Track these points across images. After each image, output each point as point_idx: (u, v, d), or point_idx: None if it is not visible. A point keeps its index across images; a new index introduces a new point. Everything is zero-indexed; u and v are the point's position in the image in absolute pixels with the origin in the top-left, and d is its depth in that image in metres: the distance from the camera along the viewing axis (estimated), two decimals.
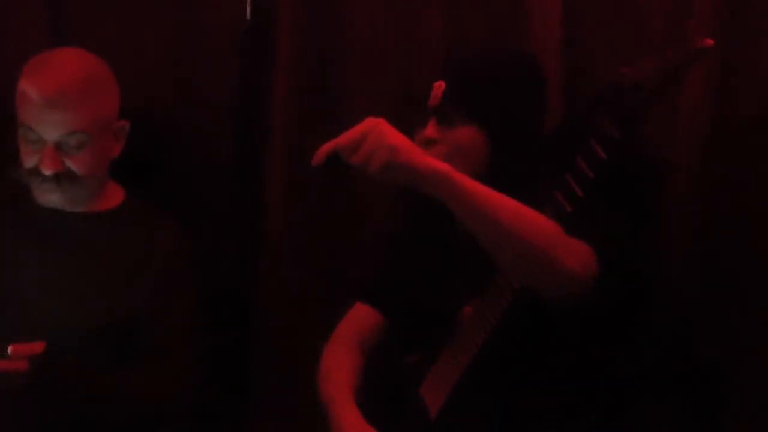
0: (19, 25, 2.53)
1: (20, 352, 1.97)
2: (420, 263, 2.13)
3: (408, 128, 1.98)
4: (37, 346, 1.99)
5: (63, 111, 2.12)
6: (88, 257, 2.22)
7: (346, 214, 2.48)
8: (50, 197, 2.20)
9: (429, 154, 1.85)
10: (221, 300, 2.46)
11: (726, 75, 2.24)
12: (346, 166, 1.74)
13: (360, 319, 2.22)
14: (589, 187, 1.72)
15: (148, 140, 2.42)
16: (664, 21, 2.27)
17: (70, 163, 2.16)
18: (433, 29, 2.42)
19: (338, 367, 2.13)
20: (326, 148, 1.75)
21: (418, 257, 2.14)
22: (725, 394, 2.16)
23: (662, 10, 2.28)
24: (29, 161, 2.17)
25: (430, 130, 2.00)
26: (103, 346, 2.15)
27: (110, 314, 2.17)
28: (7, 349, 1.97)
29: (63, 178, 2.16)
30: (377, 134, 1.71)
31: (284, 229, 2.49)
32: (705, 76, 2.22)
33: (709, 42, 1.63)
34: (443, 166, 1.72)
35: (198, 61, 2.51)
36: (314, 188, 2.47)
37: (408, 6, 2.44)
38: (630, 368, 2.01)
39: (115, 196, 2.30)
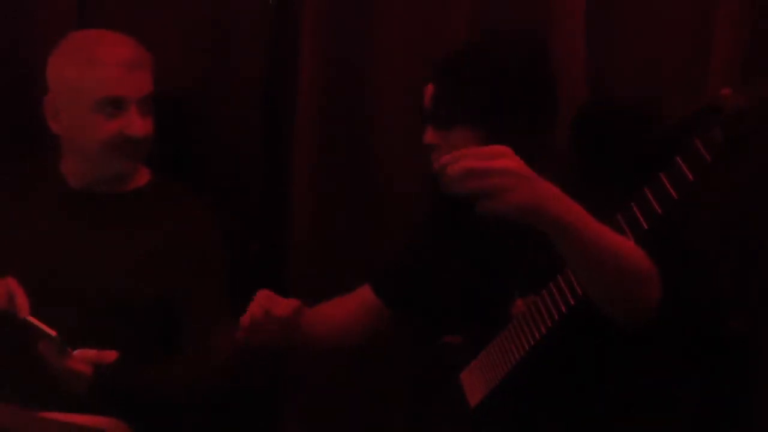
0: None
1: (87, 357, 1.97)
2: (458, 253, 2.11)
3: None
4: (109, 355, 1.99)
5: (142, 70, 2.18)
6: (117, 235, 2.23)
7: (374, 202, 2.51)
8: (108, 170, 2.21)
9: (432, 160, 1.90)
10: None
11: None
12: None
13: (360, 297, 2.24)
14: (670, 207, 1.72)
15: (175, 117, 2.43)
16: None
17: (150, 127, 2.20)
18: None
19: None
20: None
21: (453, 247, 2.13)
22: (753, 368, 2.17)
23: None
24: (106, 133, 2.15)
25: (429, 135, 2.01)
26: (137, 324, 2.15)
27: (140, 292, 2.17)
28: (68, 351, 1.97)
29: (145, 142, 2.18)
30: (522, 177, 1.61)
31: (312, 211, 2.50)
32: None
33: None
34: (569, 218, 1.65)
35: (226, 35, 2.51)
36: (341, 167, 2.50)
37: None
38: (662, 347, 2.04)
39: (141, 176, 2.30)
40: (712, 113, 1.68)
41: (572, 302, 1.82)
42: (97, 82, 2.14)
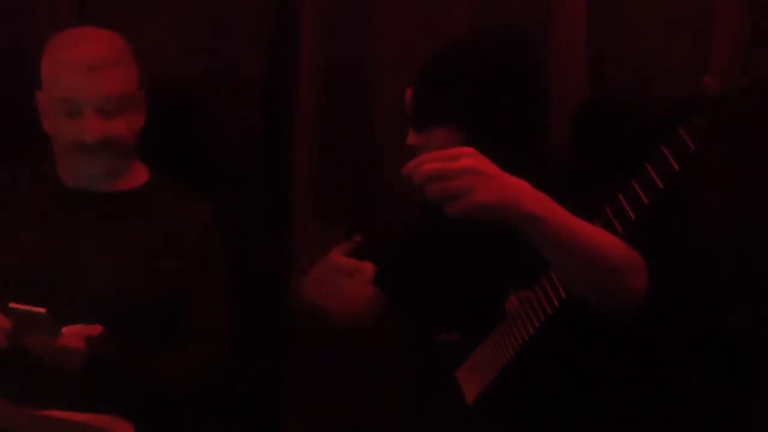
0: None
1: (77, 333, 1.96)
2: (454, 250, 2.11)
3: None
4: (95, 328, 1.98)
5: (102, 73, 2.13)
6: (116, 234, 2.23)
7: (374, 202, 2.51)
8: (91, 169, 2.20)
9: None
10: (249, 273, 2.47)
11: None
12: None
13: None
14: (656, 197, 1.70)
15: (175, 116, 2.44)
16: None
17: (110, 130, 2.14)
18: None
19: None
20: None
21: (449, 244, 2.12)
22: (753, 367, 2.17)
23: None
24: (69, 134, 2.15)
25: (410, 138, 2.01)
26: (136, 324, 2.15)
27: (139, 291, 2.17)
28: (60, 329, 1.96)
29: (106, 145, 2.15)
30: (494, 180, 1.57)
31: (312, 211, 2.49)
32: None
33: None
34: (540, 213, 1.61)
35: (226, 35, 2.52)
36: (341, 167, 2.50)
37: None
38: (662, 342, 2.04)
39: (140, 174, 2.30)
40: (695, 101, 1.67)
41: (564, 296, 1.81)
42: (55, 83, 2.15)
